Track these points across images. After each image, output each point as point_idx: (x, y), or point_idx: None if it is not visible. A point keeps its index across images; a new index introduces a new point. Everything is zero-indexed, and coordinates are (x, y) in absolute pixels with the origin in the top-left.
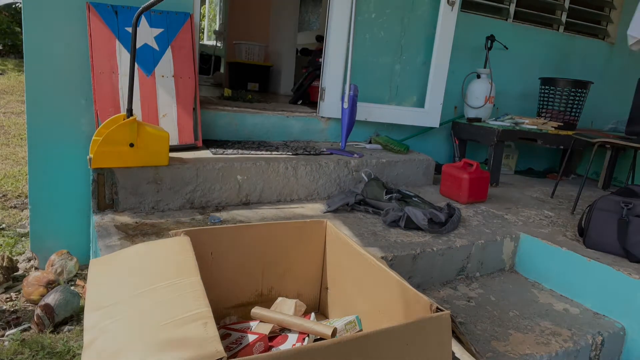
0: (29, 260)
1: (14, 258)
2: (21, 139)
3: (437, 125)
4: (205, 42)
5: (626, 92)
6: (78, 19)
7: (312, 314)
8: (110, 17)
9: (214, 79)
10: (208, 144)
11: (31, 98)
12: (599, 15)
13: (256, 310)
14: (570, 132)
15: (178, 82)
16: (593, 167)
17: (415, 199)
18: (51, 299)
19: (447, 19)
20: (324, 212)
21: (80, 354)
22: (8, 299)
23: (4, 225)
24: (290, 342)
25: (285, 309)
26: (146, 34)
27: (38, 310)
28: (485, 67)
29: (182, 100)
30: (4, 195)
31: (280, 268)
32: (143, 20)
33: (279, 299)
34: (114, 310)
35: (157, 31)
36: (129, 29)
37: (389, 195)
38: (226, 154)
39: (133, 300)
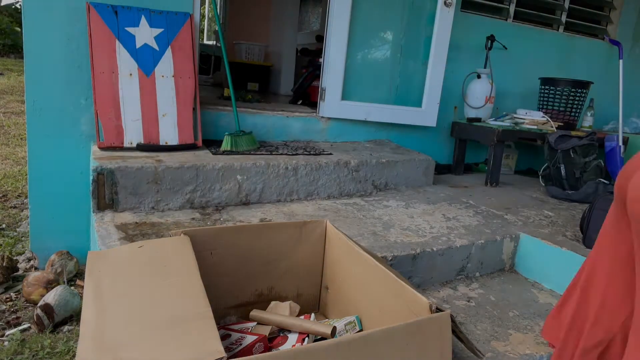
0: (29, 260)
1: (14, 258)
2: (21, 139)
3: (434, 124)
4: (205, 42)
5: (626, 93)
6: (78, 19)
7: (312, 314)
8: (110, 17)
9: (214, 79)
10: (208, 144)
11: (31, 98)
12: (599, 15)
13: (255, 313)
14: (573, 132)
15: (178, 82)
16: None
17: None
18: (51, 299)
19: (444, 18)
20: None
21: None
22: (8, 299)
23: (4, 225)
24: (290, 342)
25: (280, 312)
26: (146, 34)
27: (38, 310)
28: (485, 67)
29: (182, 100)
30: (4, 195)
31: (280, 268)
32: (143, 20)
33: (272, 303)
34: (113, 305)
35: (157, 31)
36: (129, 29)
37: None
38: (226, 154)
39: (133, 296)
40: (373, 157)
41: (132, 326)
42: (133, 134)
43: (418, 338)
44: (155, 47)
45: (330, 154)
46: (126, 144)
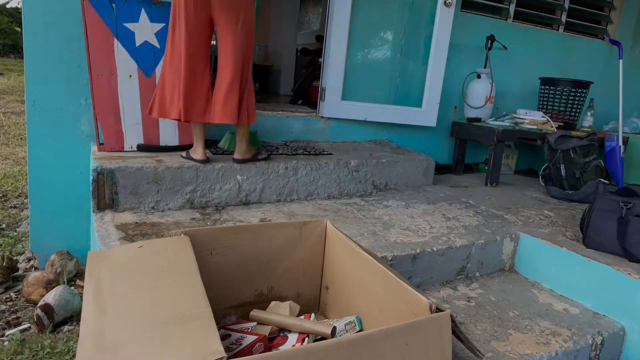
0: (29, 260)
1: (14, 258)
2: (21, 139)
3: (433, 124)
4: None
5: (626, 93)
6: (77, 18)
7: (312, 314)
8: (108, 11)
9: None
10: (208, 144)
11: (31, 98)
12: (599, 15)
13: (255, 313)
14: (573, 132)
15: None
16: None
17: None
18: (51, 299)
19: (444, 18)
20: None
21: None
22: (8, 299)
23: (4, 225)
24: (290, 342)
25: (280, 312)
26: (146, 30)
27: (38, 310)
28: (485, 67)
29: None
30: (4, 195)
31: (280, 268)
32: (143, 15)
33: (273, 303)
34: (113, 305)
35: (158, 26)
36: (128, 25)
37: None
38: (226, 154)
39: (133, 296)
40: (373, 157)
41: (133, 326)
42: (133, 138)
43: (418, 338)
44: (156, 44)
45: (330, 154)
46: (126, 149)
